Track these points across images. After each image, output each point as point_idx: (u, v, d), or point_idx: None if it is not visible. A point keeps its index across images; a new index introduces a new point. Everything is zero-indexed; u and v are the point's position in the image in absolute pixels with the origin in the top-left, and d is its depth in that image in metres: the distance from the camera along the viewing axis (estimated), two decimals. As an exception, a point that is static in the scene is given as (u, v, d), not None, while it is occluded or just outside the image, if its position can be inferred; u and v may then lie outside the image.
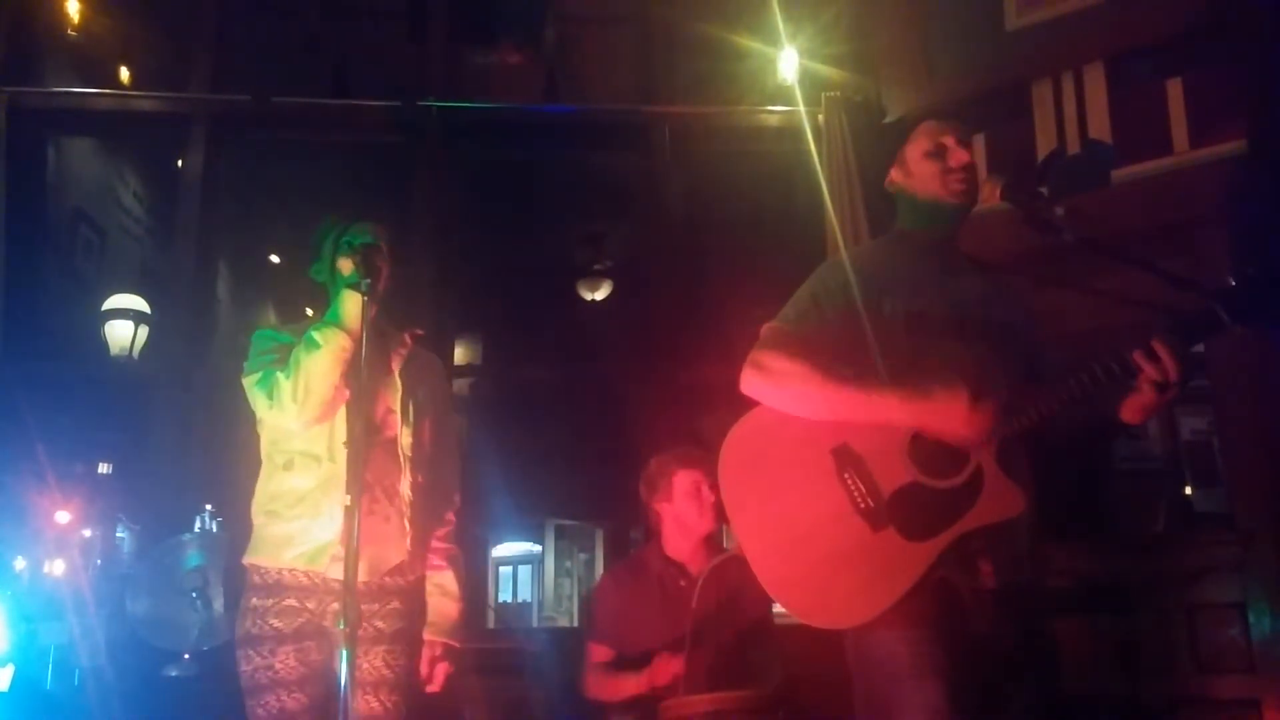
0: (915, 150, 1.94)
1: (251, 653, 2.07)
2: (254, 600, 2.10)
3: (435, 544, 2.30)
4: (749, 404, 1.91)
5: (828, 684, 2.04)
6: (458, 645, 2.27)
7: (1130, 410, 1.72)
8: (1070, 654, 3.26)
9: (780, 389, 1.82)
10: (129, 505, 5.21)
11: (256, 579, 2.12)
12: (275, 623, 2.06)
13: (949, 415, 1.69)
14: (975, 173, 1.91)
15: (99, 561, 4.93)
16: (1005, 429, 1.71)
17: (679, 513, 2.83)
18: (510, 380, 5.50)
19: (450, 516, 2.35)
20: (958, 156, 1.90)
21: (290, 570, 2.09)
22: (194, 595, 3.23)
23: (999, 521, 1.70)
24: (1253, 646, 3.21)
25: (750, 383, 1.86)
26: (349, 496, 1.84)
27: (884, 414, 1.73)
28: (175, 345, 4.21)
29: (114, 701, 3.17)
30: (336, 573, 1.98)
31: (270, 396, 2.08)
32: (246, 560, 2.14)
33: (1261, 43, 3.35)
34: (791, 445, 1.83)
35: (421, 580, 2.26)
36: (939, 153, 1.91)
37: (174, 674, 3.27)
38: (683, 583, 2.79)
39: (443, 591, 2.29)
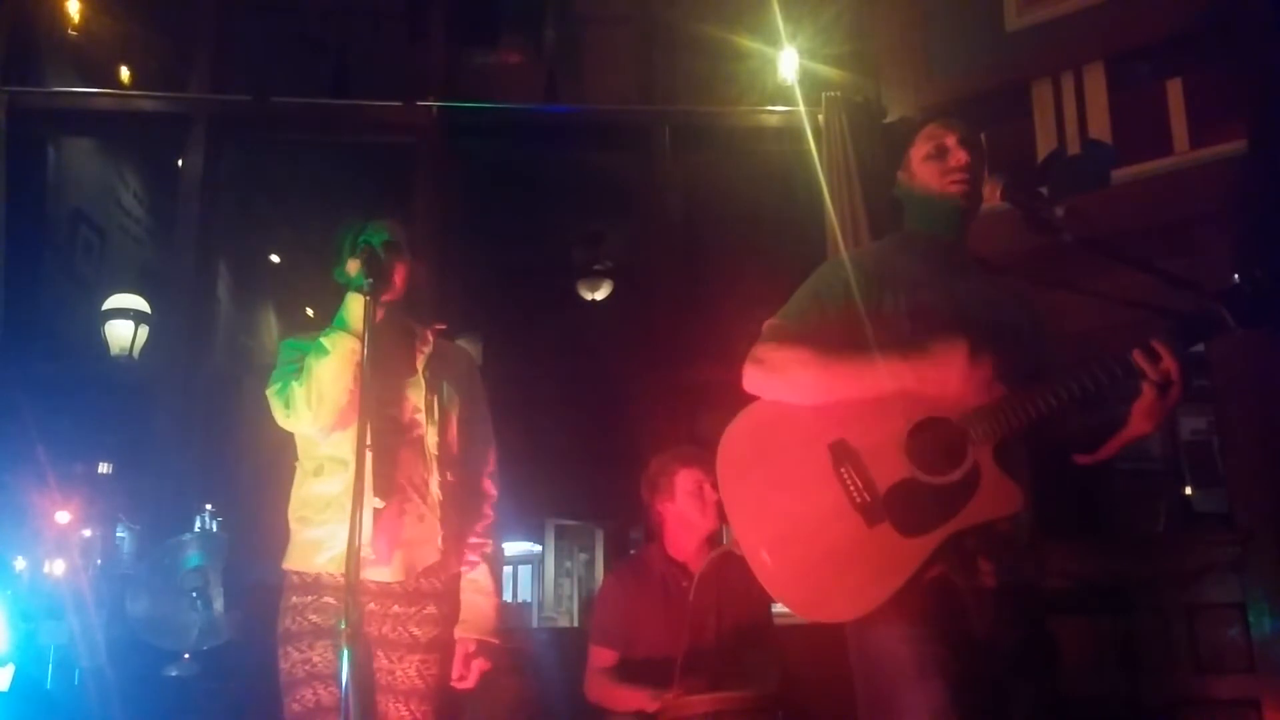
0: (918, 153, 1.94)
1: (290, 649, 2.07)
2: (294, 598, 2.10)
3: (471, 540, 2.28)
4: (749, 403, 1.91)
5: (828, 684, 2.04)
6: (496, 641, 2.24)
7: (1137, 419, 1.70)
8: (1070, 654, 3.26)
9: (781, 378, 1.82)
10: (129, 505, 5.21)
11: (295, 579, 2.13)
12: (314, 618, 2.07)
13: (947, 368, 1.68)
14: (977, 172, 1.91)
15: (99, 561, 4.93)
16: (1003, 428, 1.70)
17: (682, 512, 2.83)
18: (510, 380, 5.49)
19: (486, 510, 2.32)
20: (957, 157, 1.89)
21: (328, 574, 2.09)
22: (194, 595, 3.22)
23: (994, 519, 1.71)
24: (1253, 646, 3.21)
25: (752, 378, 1.86)
26: (379, 499, 1.83)
27: (885, 377, 1.72)
28: (175, 345, 4.21)
29: (114, 701, 3.17)
30: (371, 575, 2.03)
31: (287, 405, 2.08)
32: (285, 566, 2.14)
33: (1261, 43, 3.35)
34: (788, 441, 1.83)
35: (456, 580, 2.24)
36: (940, 154, 1.91)
37: (174, 674, 3.27)
38: (685, 583, 2.78)
39: (477, 588, 2.26)
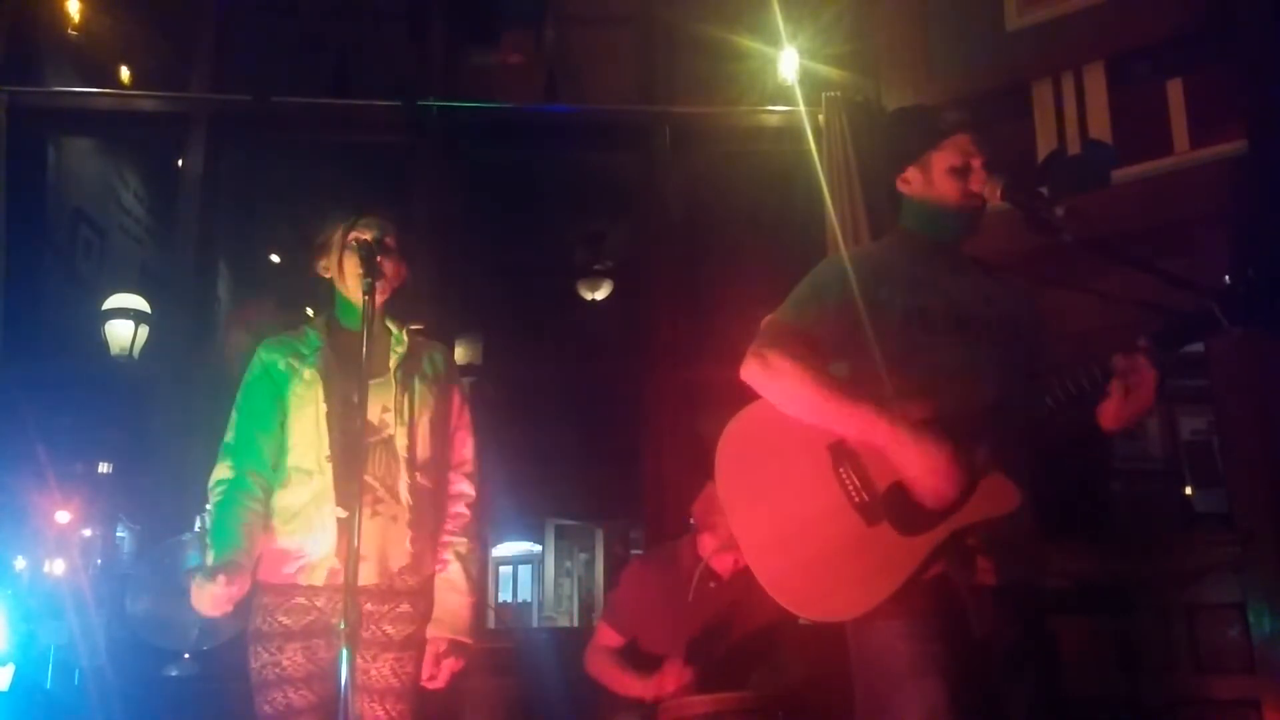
0: (942, 161, 1.91)
1: (260, 649, 2.07)
2: (264, 598, 2.10)
3: (445, 539, 2.25)
4: (748, 403, 1.90)
5: (828, 684, 2.04)
6: (468, 641, 2.21)
7: (1105, 420, 1.71)
8: (1070, 654, 3.26)
9: (776, 385, 1.81)
10: (129, 505, 5.22)
11: (267, 583, 2.12)
12: (284, 619, 2.06)
13: (927, 460, 1.66)
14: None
15: (99, 561, 4.94)
16: (1002, 428, 1.70)
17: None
18: (510, 380, 5.50)
19: (463, 510, 2.28)
20: (981, 180, 1.88)
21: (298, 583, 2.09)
22: (194, 595, 3.22)
23: (993, 517, 1.71)
24: (1253, 646, 3.21)
25: (751, 372, 1.84)
26: (342, 509, 1.81)
27: (868, 432, 1.72)
28: (175, 345, 4.21)
29: (114, 701, 3.17)
30: (338, 583, 1.99)
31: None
32: (257, 578, 2.13)
33: (1261, 43, 3.35)
34: (788, 440, 1.83)
35: (431, 579, 2.22)
36: (965, 171, 1.89)
37: (174, 674, 3.27)
38: (712, 584, 2.79)
39: (451, 587, 2.22)
